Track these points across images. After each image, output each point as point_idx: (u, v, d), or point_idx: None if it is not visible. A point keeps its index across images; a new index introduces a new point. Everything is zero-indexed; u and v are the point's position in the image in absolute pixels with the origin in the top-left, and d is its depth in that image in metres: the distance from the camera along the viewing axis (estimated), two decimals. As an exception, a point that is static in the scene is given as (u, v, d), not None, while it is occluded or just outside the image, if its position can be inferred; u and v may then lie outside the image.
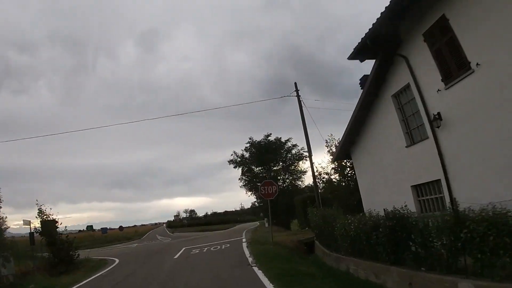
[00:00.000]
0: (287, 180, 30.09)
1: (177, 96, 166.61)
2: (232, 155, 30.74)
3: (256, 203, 36.52)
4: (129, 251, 21.77)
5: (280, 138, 30.06)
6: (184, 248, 16.09)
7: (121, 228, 46.80)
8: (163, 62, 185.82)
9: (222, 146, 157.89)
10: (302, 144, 29.45)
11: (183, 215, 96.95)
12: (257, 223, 45.63)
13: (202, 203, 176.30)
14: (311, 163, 16.20)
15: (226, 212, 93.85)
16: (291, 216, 27.20)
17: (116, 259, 15.74)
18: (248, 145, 30.15)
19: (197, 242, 20.02)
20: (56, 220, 14.64)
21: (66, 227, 15.21)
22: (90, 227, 44.50)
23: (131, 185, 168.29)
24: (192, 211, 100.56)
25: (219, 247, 15.10)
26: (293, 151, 29.80)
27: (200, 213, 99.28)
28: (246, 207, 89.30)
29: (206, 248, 15.09)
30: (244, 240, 17.08)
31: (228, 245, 15.56)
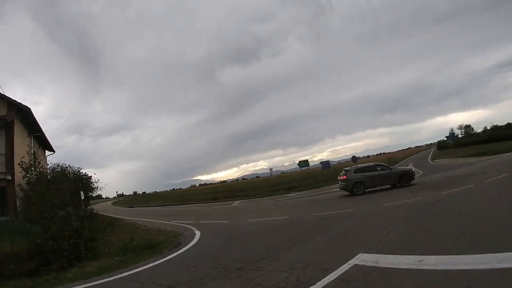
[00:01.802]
0: None
1: (425, 1, 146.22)
2: None
3: None
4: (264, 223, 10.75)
5: None
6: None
7: (354, 158, 36.66)
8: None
9: (492, 44, 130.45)
10: None
11: (457, 132, 76.39)
12: None
13: (480, 117, 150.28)
14: None
15: (509, 124, 68.65)
16: None
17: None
18: None
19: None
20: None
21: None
22: (303, 163, 33.62)
23: (401, 107, 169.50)
24: (468, 127, 78.36)
25: None
26: None
27: (478, 129, 76.81)
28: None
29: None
30: None
31: None
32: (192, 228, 11.83)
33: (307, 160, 34.90)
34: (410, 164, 37.24)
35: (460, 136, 70.93)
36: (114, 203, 50.99)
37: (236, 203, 23.26)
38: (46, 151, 22.47)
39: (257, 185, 40.39)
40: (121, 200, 67.80)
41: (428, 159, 44.03)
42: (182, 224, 13.55)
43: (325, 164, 37.27)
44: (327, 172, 34.54)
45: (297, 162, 34.31)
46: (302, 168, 34.97)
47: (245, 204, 20.94)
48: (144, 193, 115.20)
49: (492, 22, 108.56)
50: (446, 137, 63.97)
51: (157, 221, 15.97)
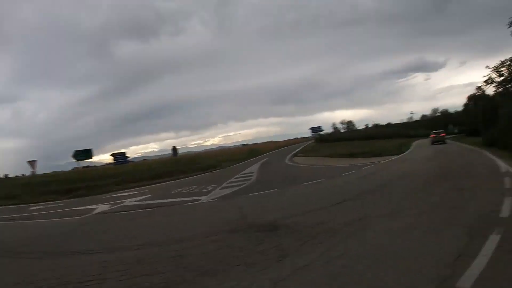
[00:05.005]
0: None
1: (328, 7, 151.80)
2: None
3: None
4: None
5: None
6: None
7: (174, 151, 31.62)
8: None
9: (380, 55, 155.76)
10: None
11: (340, 127, 76.86)
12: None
13: (364, 116, 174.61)
14: None
15: (389, 124, 73.16)
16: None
17: None
18: None
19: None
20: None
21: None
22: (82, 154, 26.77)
23: (293, 100, 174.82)
24: (349, 123, 79.08)
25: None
26: None
27: (360, 126, 78.32)
28: (416, 119, 74.61)
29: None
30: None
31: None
32: None
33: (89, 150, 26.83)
34: (260, 162, 26.70)
35: (342, 130, 72.15)
36: None
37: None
38: None
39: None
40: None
41: (289, 156, 31.58)
42: None
43: (120, 158, 26.38)
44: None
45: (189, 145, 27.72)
46: (80, 162, 26.89)
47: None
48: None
49: (386, 35, 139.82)
50: (310, 128, 55.82)
51: None
